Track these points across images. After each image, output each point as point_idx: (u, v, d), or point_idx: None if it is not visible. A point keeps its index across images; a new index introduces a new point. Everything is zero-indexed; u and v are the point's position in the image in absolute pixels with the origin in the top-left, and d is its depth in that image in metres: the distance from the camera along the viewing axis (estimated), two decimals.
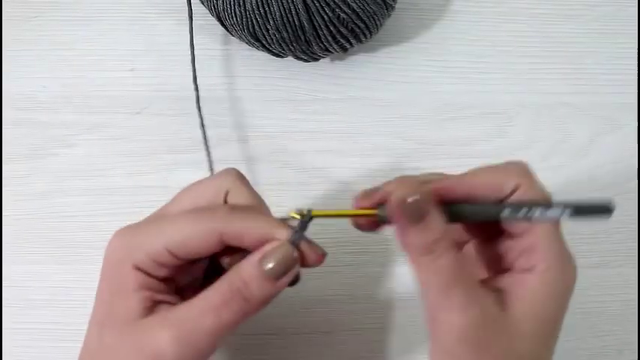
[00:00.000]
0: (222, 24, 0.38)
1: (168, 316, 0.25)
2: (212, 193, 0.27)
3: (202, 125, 0.38)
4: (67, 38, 0.42)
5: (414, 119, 0.40)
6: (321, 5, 0.35)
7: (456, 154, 0.40)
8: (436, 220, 0.24)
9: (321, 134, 0.40)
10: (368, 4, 0.35)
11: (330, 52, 0.38)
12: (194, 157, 0.39)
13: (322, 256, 0.26)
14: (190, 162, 0.39)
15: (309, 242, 0.26)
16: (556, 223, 0.26)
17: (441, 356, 0.25)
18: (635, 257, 0.38)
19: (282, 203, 0.36)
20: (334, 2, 0.34)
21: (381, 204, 0.26)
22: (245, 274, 0.25)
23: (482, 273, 0.29)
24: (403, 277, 0.38)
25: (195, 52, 0.42)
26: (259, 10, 0.35)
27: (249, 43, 0.38)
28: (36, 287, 0.37)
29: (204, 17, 0.41)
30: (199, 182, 0.28)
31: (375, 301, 0.38)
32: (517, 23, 0.43)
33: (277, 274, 0.25)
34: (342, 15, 0.35)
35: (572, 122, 0.41)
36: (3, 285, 0.37)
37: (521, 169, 0.26)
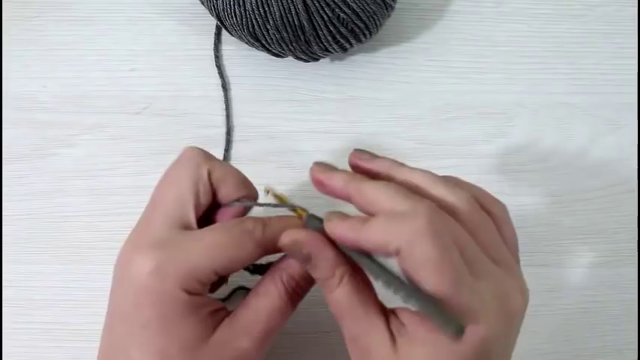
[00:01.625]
0: (222, 24, 0.38)
1: (241, 326, 0.26)
2: (195, 179, 0.27)
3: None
4: (67, 38, 0.42)
5: (414, 119, 0.40)
6: (320, 5, 0.35)
7: (456, 154, 0.40)
8: (324, 260, 0.25)
9: (321, 134, 0.40)
10: (368, 4, 0.35)
11: (329, 52, 0.38)
12: None
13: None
14: None
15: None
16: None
17: None
18: (635, 257, 0.38)
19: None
20: (334, 2, 0.34)
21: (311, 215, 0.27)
22: (297, 274, 0.27)
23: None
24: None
25: (196, 52, 0.42)
26: (259, 10, 0.35)
27: (249, 43, 0.38)
28: (36, 287, 0.37)
29: (204, 18, 0.41)
30: (173, 172, 0.28)
31: None
32: (517, 23, 0.43)
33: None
34: (342, 15, 0.35)
35: (572, 122, 0.41)
36: (3, 285, 0.37)
37: (411, 231, 0.23)
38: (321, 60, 0.40)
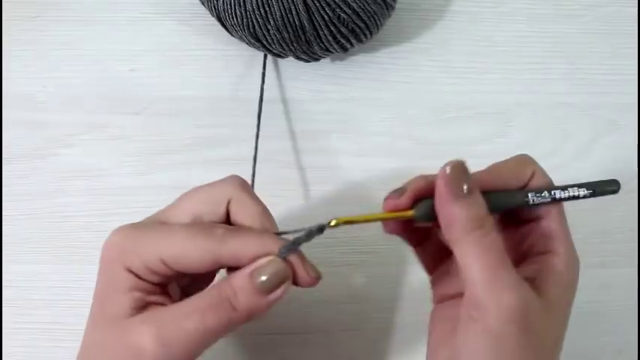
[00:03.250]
0: (223, 24, 0.38)
1: (152, 316, 0.25)
2: (214, 200, 0.27)
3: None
4: (67, 38, 0.42)
5: (414, 119, 0.41)
6: (321, 5, 0.35)
7: (456, 154, 0.39)
8: (481, 198, 0.25)
9: (321, 134, 0.40)
10: (368, 4, 0.35)
11: (330, 52, 0.38)
12: (194, 157, 0.39)
13: (316, 279, 0.27)
14: (190, 162, 0.39)
15: (305, 262, 0.26)
16: (563, 211, 0.28)
17: (484, 338, 0.24)
18: (635, 257, 0.38)
19: (282, 203, 0.36)
20: (334, 2, 0.34)
21: (415, 201, 0.26)
22: (235, 283, 0.25)
23: None
24: (403, 277, 0.38)
25: (196, 52, 0.42)
26: (260, 11, 0.35)
27: (249, 43, 0.38)
28: (36, 287, 0.37)
29: (204, 18, 0.41)
30: (203, 188, 0.28)
31: (375, 301, 0.38)
32: (517, 23, 0.43)
33: (268, 288, 0.25)
34: (343, 15, 0.35)
35: (572, 122, 0.41)
36: (3, 285, 0.37)
37: (530, 160, 0.28)
38: (322, 60, 0.40)
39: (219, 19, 0.38)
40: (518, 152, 0.40)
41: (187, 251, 0.25)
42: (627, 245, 0.39)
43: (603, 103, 0.41)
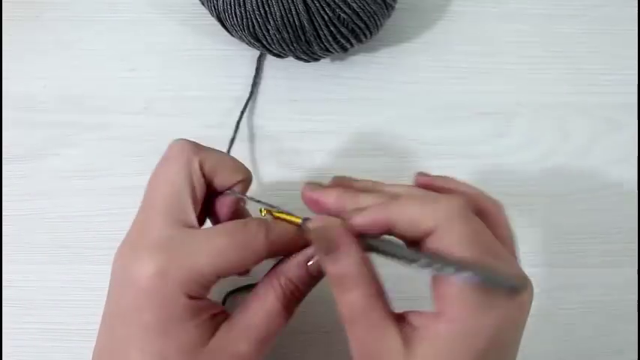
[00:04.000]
0: (223, 24, 0.38)
1: (239, 330, 0.26)
2: (186, 171, 0.27)
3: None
4: (67, 38, 0.42)
5: (414, 119, 0.40)
6: (321, 5, 0.35)
7: (456, 154, 0.40)
8: (348, 256, 0.25)
9: (322, 134, 0.40)
10: (368, 4, 0.35)
11: (330, 52, 0.38)
12: None
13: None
14: None
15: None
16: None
17: None
18: (635, 257, 0.38)
19: (282, 203, 0.36)
20: (334, 2, 0.34)
21: (306, 218, 0.27)
22: (295, 277, 0.27)
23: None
24: (403, 277, 0.38)
25: (196, 52, 0.42)
26: (260, 11, 0.35)
27: (249, 43, 0.38)
28: (36, 287, 0.37)
29: (204, 18, 0.41)
30: (164, 167, 0.28)
31: None
32: (517, 23, 0.43)
33: (320, 273, 0.27)
34: (343, 15, 0.35)
35: (572, 122, 0.41)
36: (3, 285, 0.37)
37: (445, 210, 0.24)
38: (322, 60, 0.40)
39: (219, 19, 0.38)
40: (519, 152, 0.40)
41: (239, 259, 0.26)
42: (627, 245, 0.39)
43: (603, 103, 0.41)
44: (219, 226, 0.28)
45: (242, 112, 0.39)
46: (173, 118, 0.40)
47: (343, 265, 0.25)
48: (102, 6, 0.42)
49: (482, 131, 0.40)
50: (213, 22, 0.39)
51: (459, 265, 0.23)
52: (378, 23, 0.38)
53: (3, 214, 0.38)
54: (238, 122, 0.39)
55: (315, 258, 0.27)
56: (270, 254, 0.27)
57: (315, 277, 0.28)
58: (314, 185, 0.28)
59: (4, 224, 0.38)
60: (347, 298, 0.25)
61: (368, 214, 0.25)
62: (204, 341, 0.25)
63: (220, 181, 0.28)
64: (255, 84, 0.40)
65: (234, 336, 0.26)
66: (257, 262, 0.27)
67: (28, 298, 0.37)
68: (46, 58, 0.41)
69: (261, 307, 0.27)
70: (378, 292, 0.25)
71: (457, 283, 0.23)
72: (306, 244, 0.27)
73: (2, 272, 0.38)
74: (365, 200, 0.26)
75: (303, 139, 0.40)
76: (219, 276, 0.26)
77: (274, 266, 0.28)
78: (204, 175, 0.28)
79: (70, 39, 0.42)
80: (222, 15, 0.37)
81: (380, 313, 0.24)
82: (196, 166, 0.27)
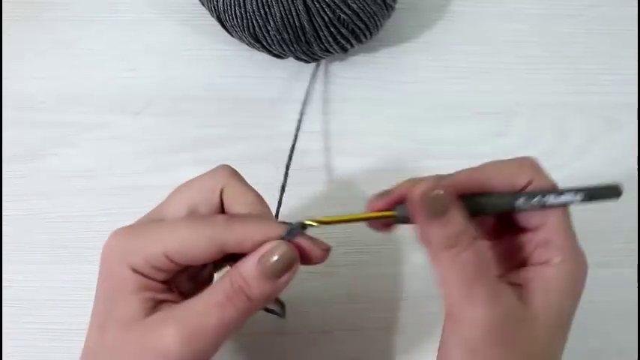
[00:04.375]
0: (223, 25, 0.38)
1: (172, 314, 0.25)
2: (207, 191, 0.27)
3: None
4: (67, 38, 0.42)
5: (414, 119, 0.41)
6: (321, 6, 0.35)
7: (456, 154, 0.40)
8: (458, 214, 0.24)
9: (322, 134, 0.40)
10: (368, 5, 0.35)
11: (330, 52, 0.38)
12: (194, 157, 0.39)
13: (326, 251, 0.26)
14: (190, 162, 0.39)
15: (311, 239, 0.26)
16: (567, 217, 0.26)
17: (463, 354, 0.24)
18: (635, 257, 0.38)
19: (282, 203, 0.36)
20: (334, 3, 0.34)
21: (397, 204, 0.26)
22: (245, 272, 0.25)
23: (496, 270, 0.28)
24: (403, 276, 0.38)
25: (196, 52, 0.42)
26: (260, 12, 0.35)
27: (249, 44, 0.38)
28: (36, 287, 0.37)
29: (204, 18, 0.41)
30: (193, 180, 0.28)
31: (374, 301, 0.38)
32: (517, 23, 0.43)
33: (277, 273, 0.25)
34: (343, 16, 0.35)
35: (571, 122, 0.41)
36: (3, 285, 0.37)
37: (533, 164, 0.26)
38: (322, 60, 0.40)
39: (219, 20, 0.38)
40: (518, 152, 0.40)
41: (192, 242, 0.25)
42: (627, 245, 0.39)
43: (603, 103, 0.41)
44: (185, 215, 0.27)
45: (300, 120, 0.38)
46: (173, 118, 0.40)
47: (457, 223, 0.24)
48: (102, 6, 0.42)
49: (481, 131, 0.40)
50: (213, 22, 0.39)
51: (560, 191, 0.25)
52: (378, 24, 0.38)
53: (3, 214, 0.38)
54: (297, 133, 0.38)
55: (273, 256, 0.25)
56: (230, 247, 0.25)
57: (269, 278, 0.25)
58: (380, 194, 0.26)
59: (3, 224, 0.38)
60: (464, 258, 0.24)
61: (464, 175, 0.26)
62: (139, 317, 0.25)
63: (234, 212, 0.27)
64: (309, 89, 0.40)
65: (164, 319, 0.25)
66: (211, 252, 0.25)
67: (28, 298, 0.37)
68: (45, 57, 0.41)
69: (203, 297, 0.25)
70: (487, 251, 0.26)
71: (558, 219, 0.26)
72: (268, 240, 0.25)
73: (2, 272, 0.38)
74: (433, 180, 0.25)
75: (303, 139, 0.40)
76: (169, 257, 0.25)
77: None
78: (222, 201, 0.27)
79: (69, 39, 0.42)
80: (222, 15, 0.37)
81: (494, 272, 0.25)
82: (217, 188, 0.27)
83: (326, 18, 0.35)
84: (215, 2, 0.36)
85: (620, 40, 0.42)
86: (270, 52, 0.38)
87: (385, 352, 0.37)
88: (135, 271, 0.25)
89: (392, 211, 0.26)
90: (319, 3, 0.34)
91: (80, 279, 0.37)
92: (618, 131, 0.41)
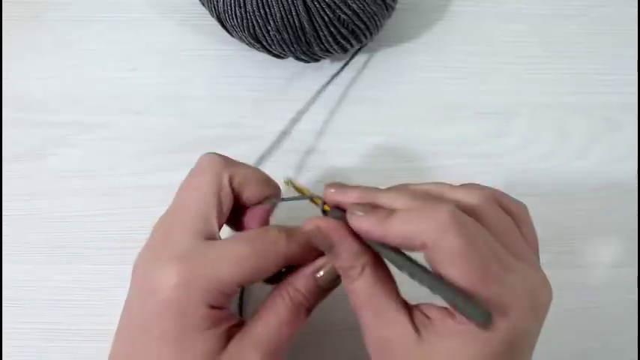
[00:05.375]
0: (223, 25, 0.38)
1: (249, 340, 0.26)
2: (216, 185, 0.27)
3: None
4: (67, 38, 0.42)
5: (413, 119, 0.40)
6: (321, 6, 0.35)
7: (456, 154, 0.40)
8: (345, 249, 0.26)
9: (322, 134, 0.40)
10: (368, 5, 0.35)
11: (330, 52, 0.38)
12: (194, 157, 0.39)
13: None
14: (190, 162, 0.39)
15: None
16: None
17: None
18: (635, 257, 0.38)
19: (282, 203, 0.36)
20: (334, 3, 0.34)
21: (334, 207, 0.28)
22: (304, 288, 0.27)
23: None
24: (403, 276, 0.38)
25: (196, 52, 0.42)
26: (260, 12, 0.35)
27: (249, 44, 0.38)
28: (36, 287, 0.37)
29: (204, 18, 0.41)
30: (194, 179, 0.28)
31: None
32: (517, 23, 0.43)
33: (329, 284, 0.28)
34: (343, 16, 0.35)
35: (572, 122, 0.41)
36: (3, 285, 0.37)
37: (437, 224, 0.23)
38: (322, 60, 0.40)
39: (219, 20, 0.38)
40: (519, 153, 0.40)
41: (261, 268, 0.26)
42: (627, 245, 0.39)
43: (603, 103, 0.41)
44: (239, 234, 0.28)
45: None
46: (173, 118, 0.40)
47: (344, 257, 0.26)
48: (102, 6, 0.42)
49: (481, 131, 0.40)
50: (213, 22, 0.39)
51: (431, 283, 0.23)
52: (378, 24, 0.38)
53: (3, 214, 0.38)
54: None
55: (324, 269, 0.27)
56: (290, 260, 0.27)
57: (324, 288, 0.28)
58: (337, 185, 0.28)
59: (3, 224, 0.38)
60: (353, 287, 0.26)
61: (368, 226, 0.25)
62: (217, 352, 0.25)
63: (249, 195, 0.29)
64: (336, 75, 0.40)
65: (245, 346, 0.26)
66: (278, 268, 0.27)
67: (28, 298, 0.37)
68: (45, 58, 0.41)
69: (270, 317, 0.27)
70: (383, 280, 0.26)
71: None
72: (322, 252, 0.27)
73: (2, 272, 0.38)
74: (384, 199, 0.26)
75: (303, 139, 0.40)
76: (240, 284, 0.26)
77: (286, 276, 0.28)
78: (232, 189, 0.28)
79: (69, 39, 0.42)
80: (222, 16, 0.37)
81: (387, 299, 0.25)
82: (226, 180, 0.28)
83: (326, 18, 0.35)
84: (215, 2, 0.36)
85: (621, 41, 0.42)
86: (270, 52, 0.38)
87: None
88: (211, 306, 0.25)
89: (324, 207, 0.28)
90: (319, 3, 0.34)
91: (80, 279, 0.37)
92: (619, 131, 0.41)
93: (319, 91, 0.40)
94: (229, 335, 0.26)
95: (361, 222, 0.25)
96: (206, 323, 0.25)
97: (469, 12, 0.43)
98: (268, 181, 0.30)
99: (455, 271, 0.22)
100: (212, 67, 0.41)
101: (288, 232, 0.27)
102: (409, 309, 0.25)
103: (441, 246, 0.23)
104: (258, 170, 0.30)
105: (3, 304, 0.37)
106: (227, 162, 0.29)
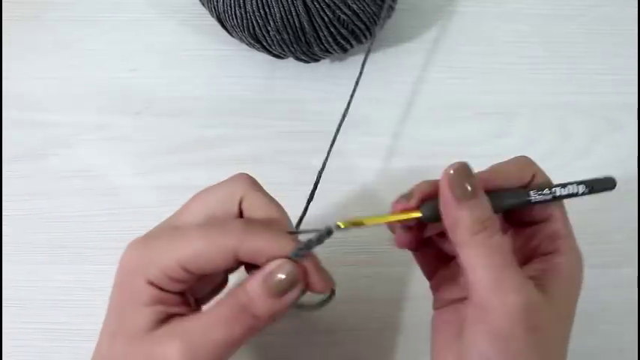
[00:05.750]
0: (223, 25, 0.38)
1: (177, 328, 0.25)
2: (226, 199, 0.27)
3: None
4: (67, 38, 0.42)
5: (414, 119, 0.40)
6: (321, 7, 0.35)
7: (456, 154, 0.39)
8: (485, 199, 0.25)
9: (322, 134, 0.40)
10: (368, 5, 0.35)
11: (330, 52, 0.38)
12: (194, 157, 0.39)
13: (329, 285, 0.27)
14: (190, 162, 0.39)
15: (318, 268, 0.26)
16: (565, 214, 0.28)
17: (492, 339, 0.24)
18: (635, 257, 0.38)
19: (282, 204, 0.36)
20: (334, 3, 0.34)
21: (422, 203, 0.26)
22: (251, 290, 0.25)
23: None
24: (404, 277, 0.38)
25: (196, 53, 0.42)
26: (260, 12, 0.35)
27: (249, 44, 0.38)
28: (36, 287, 0.37)
29: (204, 18, 0.41)
30: (212, 188, 0.28)
31: (375, 301, 0.38)
32: (517, 23, 0.43)
33: (281, 291, 0.25)
34: (343, 16, 0.35)
35: (572, 122, 0.41)
36: (3, 285, 0.37)
37: (531, 161, 0.28)
38: (321, 60, 0.40)
39: (219, 20, 0.38)
40: (518, 152, 0.40)
41: (206, 252, 0.25)
42: (627, 245, 0.39)
43: (603, 103, 0.41)
44: (204, 224, 0.27)
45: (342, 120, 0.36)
46: (173, 118, 0.40)
47: (485, 207, 0.25)
48: (102, 6, 0.42)
49: (482, 131, 0.40)
50: (213, 22, 0.39)
51: (567, 184, 0.27)
52: (378, 24, 0.37)
53: (3, 214, 0.38)
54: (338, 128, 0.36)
55: (277, 273, 0.25)
56: (244, 257, 0.25)
57: (275, 295, 0.25)
58: (403, 196, 0.27)
59: (4, 224, 0.38)
60: (494, 241, 0.24)
61: (482, 174, 0.26)
62: (148, 330, 0.25)
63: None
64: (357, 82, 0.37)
65: (170, 333, 0.25)
66: (228, 262, 0.25)
67: (28, 297, 0.37)
68: (46, 58, 0.41)
69: (209, 312, 0.25)
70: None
71: (561, 213, 0.27)
72: (278, 256, 0.25)
73: (2, 272, 0.38)
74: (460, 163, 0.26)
75: (303, 139, 0.40)
76: (185, 268, 0.25)
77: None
78: (240, 212, 0.27)
79: (69, 39, 0.42)
80: (222, 16, 0.37)
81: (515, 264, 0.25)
82: (236, 198, 0.27)
83: (326, 18, 0.35)
84: (215, 2, 0.36)
85: (621, 41, 0.42)
86: (270, 52, 0.38)
87: (385, 352, 0.37)
88: (150, 283, 0.25)
89: (417, 211, 0.26)
90: (319, 3, 0.34)
91: (80, 279, 0.37)
92: (619, 131, 0.41)
93: (352, 91, 0.38)
94: (167, 320, 0.25)
95: (480, 174, 0.26)
96: (144, 298, 0.25)
97: (470, 12, 0.43)
98: (274, 217, 0.27)
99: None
100: (212, 67, 0.41)
101: (247, 224, 0.26)
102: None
103: (544, 176, 0.28)
104: (271, 203, 0.28)
105: (3, 304, 0.37)
106: (248, 183, 0.28)
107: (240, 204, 0.27)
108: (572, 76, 0.42)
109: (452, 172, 0.25)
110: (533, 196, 0.26)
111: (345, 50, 0.39)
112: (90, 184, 0.39)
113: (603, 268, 0.38)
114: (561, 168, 0.40)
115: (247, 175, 0.28)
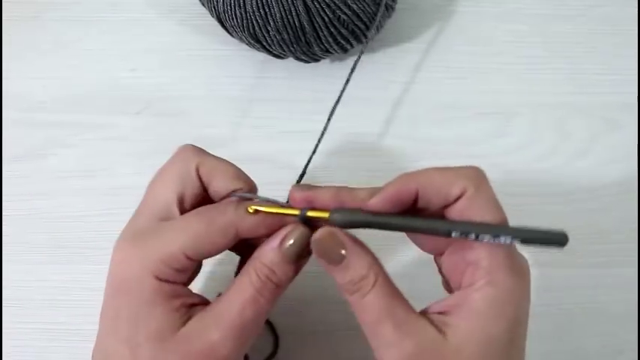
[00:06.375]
0: (223, 25, 0.38)
1: (211, 319, 0.25)
2: (184, 174, 0.27)
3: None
4: (67, 38, 0.42)
5: (414, 119, 0.40)
6: (321, 6, 0.35)
7: (456, 154, 0.40)
8: (356, 258, 0.25)
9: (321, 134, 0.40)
10: (368, 5, 0.35)
11: (330, 52, 0.38)
12: None
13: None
14: None
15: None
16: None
17: None
18: (635, 257, 0.38)
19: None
20: (334, 3, 0.34)
21: (334, 209, 0.26)
22: (269, 261, 0.26)
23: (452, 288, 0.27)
24: (403, 276, 0.38)
25: (195, 52, 0.42)
26: (260, 12, 0.35)
27: (249, 44, 0.38)
28: (36, 287, 0.37)
29: (203, 18, 0.41)
30: (166, 168, 0.28)
31: None
32: (517, 23, 0.43)
33: (297, 255, 0.26)
34: (343, 16, 0.35)
35: (572, 122, 0.41)
36: (3, 285, 0.37)
37: (472, 174, 0.25)
38: (321, 61, 0.40)
39: (219, 20, 0.38)
40: (518, 152, 0.40)
41: (208, 235, 0.25)
42: (627, 245, 0.39)
43: (603, 103, 0.41)
44: (193, 210, 0.27)
45: (330, 116, 0.35)
46: (173, 118, 0.40)
47: (357, 269, 0.25)
48: (102, 6, 0.42)
49: (482, 131, 0.40)
50: (213, 22, 0.39)
51: (499, 229, 0.23)
52: (378, 24, 0.37)
53: (3, 214, 0.38)
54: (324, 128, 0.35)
55: (290, 238, 0.26)
56: (244, 232, 0.26)
57: (291, 260, 0.26)
58: (304, 186, 0.27)
59: (3, 224, 0.38)
60: (367, 301, 0.24)
61: (391, 187, 0.25)
62: (176, 328, 0.24)
63: (216, 187, 0.28)
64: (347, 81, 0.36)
65: (206, 323, 0.25)
66: (229, 239, 0.26)
67: (28, 297, 0.37)
68: (45, 58, 0.41)
69: (234, 293, 0.25)
70: (395, 289, 0.25)
71: (494, 247, 0.24)
72: (283, 224, 0.26)
73: (2, 272, 0.38)
74: (362, 193, 0.25)
75: (303, 139, 0.40)
76: (188, 256, 0.25)
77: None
78: (200, 178, 0.27)
79: (69, 39, 0.42)
80: (222, 16, 0.37)
81: (405, 308, 0.24)
82: (191, 167, 0.27)
83: (326, 18, 0.35)
84: (215, 2, 0.36)
85: (621, 41, 0.42)
86: (270, 52, 0.38)
87: None
88: (159, 279, 0.25)
89: (326, 214, 0.26)
90: (319, 3, 0.34)
91: (80, 279, 0.37)
92: (618, 131, 0.41)
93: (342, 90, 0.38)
94: (189, 313, 0.25)
95: (392, 186, 0.24)
96: (157, 298, 0.24)
97: (469, 12, 0.43)
98: (238, 175, 0.28)
99: (491, 216, 0.24)
100: (212, 67, 0.41)
101: (240, 201, 0.26)
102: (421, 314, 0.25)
103: (480, 193, 0.24)
104: (229, 163, 0.28)
105: (3, 304, 0.37)
106: (197, 151, 0.28)
107: (197, 172, 0.27)
108: (572, 76, 0.42)
109: (317, 240, 0.25)
110: (454, 235, 0.23)
111: (345, 50, 0.39)
112: (90, 184, 0.39)
113: (603, 268, 0.38)
114: (561, 168, 0.40)
115: (191, 145, 0.29)
